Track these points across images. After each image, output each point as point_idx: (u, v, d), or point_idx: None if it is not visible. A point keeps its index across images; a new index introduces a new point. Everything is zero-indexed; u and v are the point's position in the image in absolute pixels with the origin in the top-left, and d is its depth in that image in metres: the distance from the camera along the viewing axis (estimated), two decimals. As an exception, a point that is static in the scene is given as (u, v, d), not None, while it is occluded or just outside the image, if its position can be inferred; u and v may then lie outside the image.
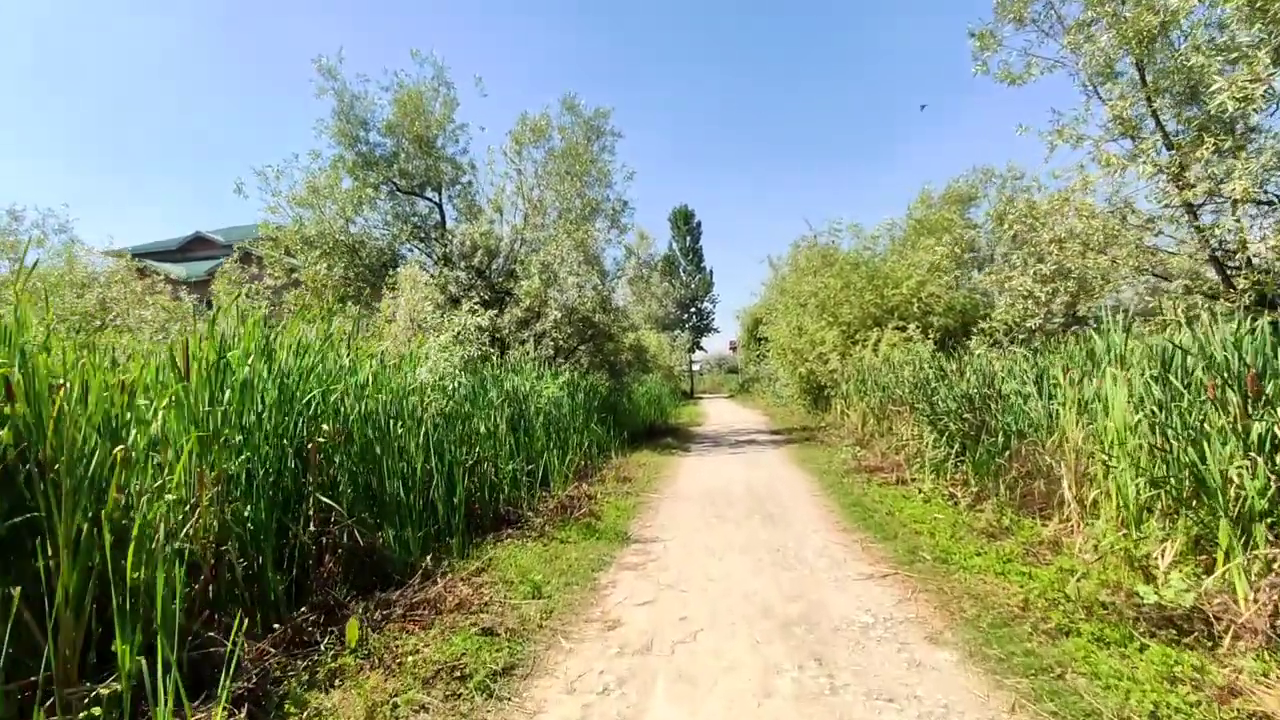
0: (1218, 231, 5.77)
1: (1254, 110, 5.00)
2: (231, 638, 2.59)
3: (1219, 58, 5.14)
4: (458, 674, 2.91)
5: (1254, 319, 4.92)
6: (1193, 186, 5.53)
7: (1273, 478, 3.24)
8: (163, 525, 2.83)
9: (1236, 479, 3.45)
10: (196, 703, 2.57)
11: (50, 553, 2.42)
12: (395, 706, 2.65)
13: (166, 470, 3.05)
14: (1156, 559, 3.92)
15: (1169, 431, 4.21)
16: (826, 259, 18.24)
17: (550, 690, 2.84)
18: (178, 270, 28.41)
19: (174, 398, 3.27)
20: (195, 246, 34.77)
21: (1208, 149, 5.32)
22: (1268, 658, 2.75)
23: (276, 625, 3.39)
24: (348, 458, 4.60)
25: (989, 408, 6.61)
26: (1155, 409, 4.36)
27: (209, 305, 13.68)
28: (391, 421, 5.14)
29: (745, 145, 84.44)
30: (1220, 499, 3.48)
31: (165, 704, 2.25)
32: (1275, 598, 2.93)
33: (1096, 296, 7.21)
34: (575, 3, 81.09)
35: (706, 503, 7.00)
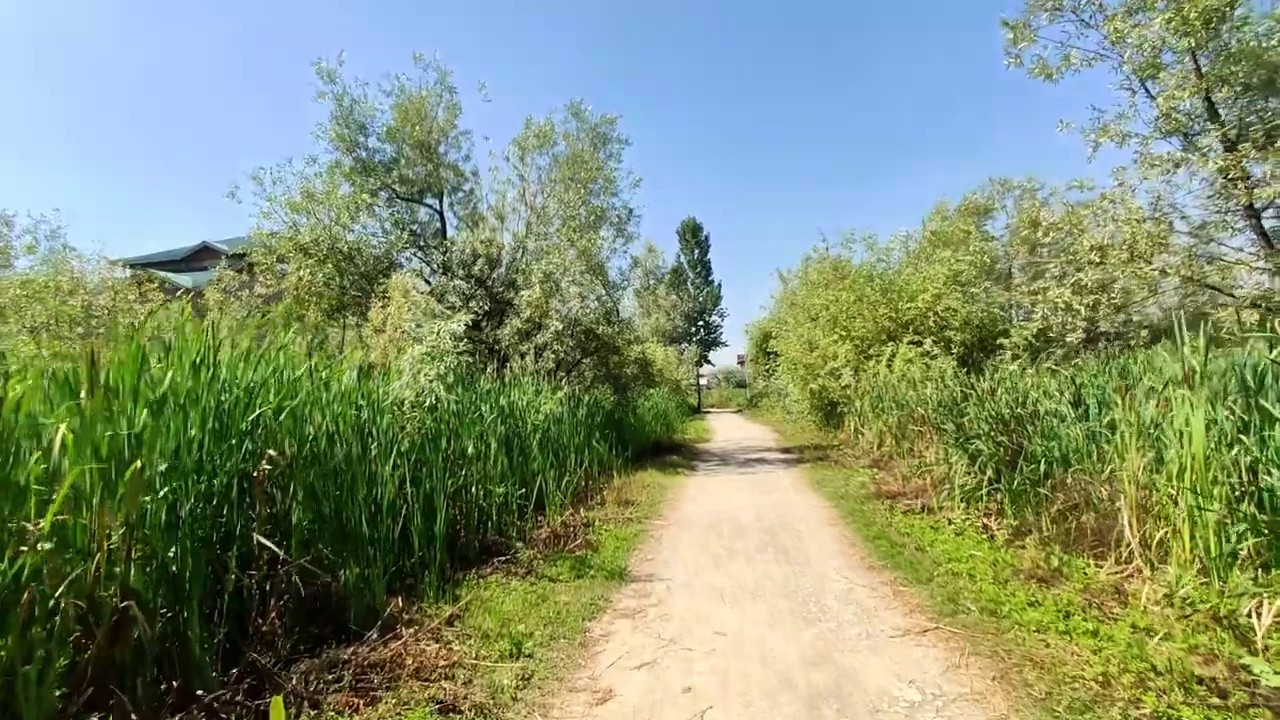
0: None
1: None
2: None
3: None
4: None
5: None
6: (1261, 186, 4.94)
7: None
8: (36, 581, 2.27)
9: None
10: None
11: None
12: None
13: (56, 510, 2.50)
14: (1250, 618, 3.29)
15: (1260, 464, 3.60)
16: (839, 271, 17.68)
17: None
18: (184, 280, 28.18)
19: (81, 417, 2.74)
20: (202, 256, 34.67)
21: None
22: None
23: (201, 691, 2.83)
24: (306, 485, 4.05)
25: (1025, 430, 5.99)
26: (1241, 436, 3.75)
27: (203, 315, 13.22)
28: (362, 443, 4.58)
29: (758, 159, 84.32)
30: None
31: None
32: None
33: (1133, 310, 6.60)
34: (588, 14, 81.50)
35: (714, 533, 6.40)
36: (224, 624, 3.16)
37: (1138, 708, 2.63)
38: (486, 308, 13.59)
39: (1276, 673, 2.59)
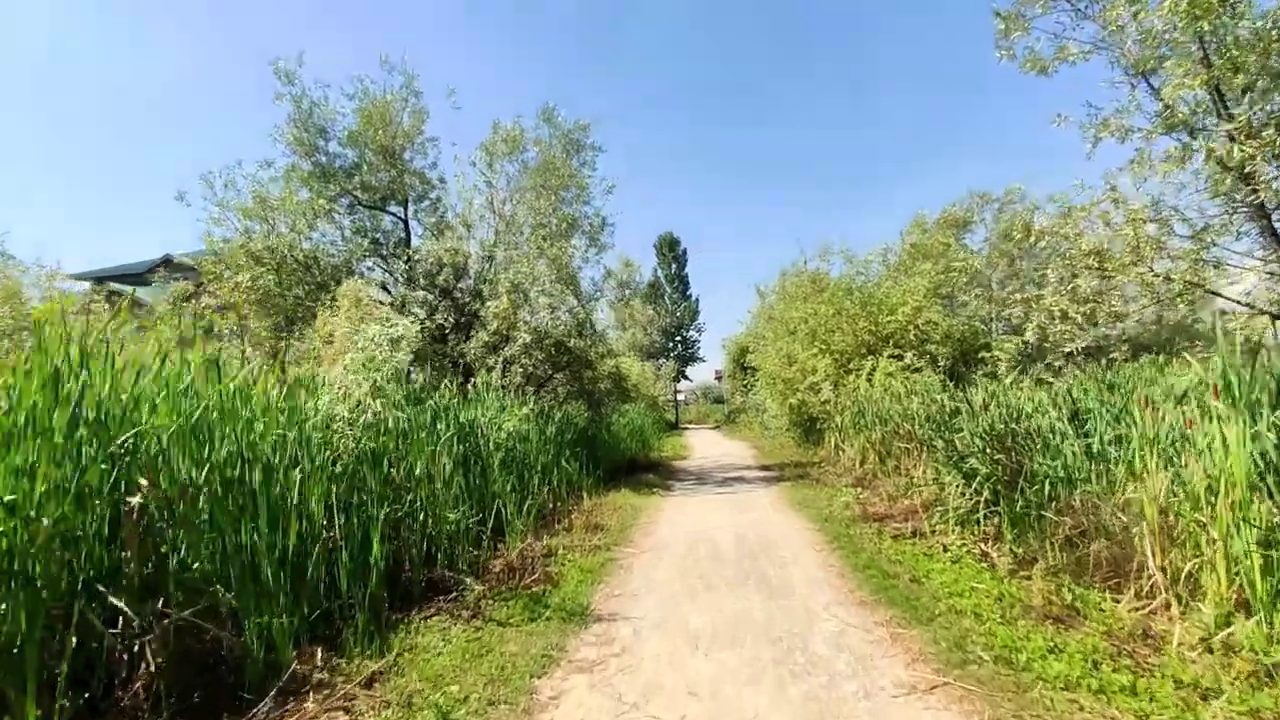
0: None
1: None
2: None
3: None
4: None
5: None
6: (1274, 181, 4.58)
7: None
8: None
9: None
10: None
11: None
12: None
13: None
14: (1309, 668, 2.82)
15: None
16: (817, 284, 17.38)
17: None
18: (143, 293, 27.06)
19: None
20: (167, 269, 33.49)
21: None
22: None
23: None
24: (202, 519, 3.41)
25: (1025, 448, 5.53)
26: (1284, 457, 3.30)
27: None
28: (284, 467, 3.95)
29: (736, 174, 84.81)
30: None
31: None
32: None
33: (1105, 323, 6.24)
34: (563, 28, 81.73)
35: (690, 560, 5.82)
36: (69, 697, 2.51)
37: (1212, 800, 2.11)
38: (453, 320, 12.98)
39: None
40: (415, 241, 13.44)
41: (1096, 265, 5.92)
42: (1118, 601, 4.04)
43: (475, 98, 61.10)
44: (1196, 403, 4.13)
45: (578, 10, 78.77)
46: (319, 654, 3.49)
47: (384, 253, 13.02)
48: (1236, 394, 3.54)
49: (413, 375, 12.32)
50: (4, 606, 2.42)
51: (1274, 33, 4.44)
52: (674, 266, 47.76)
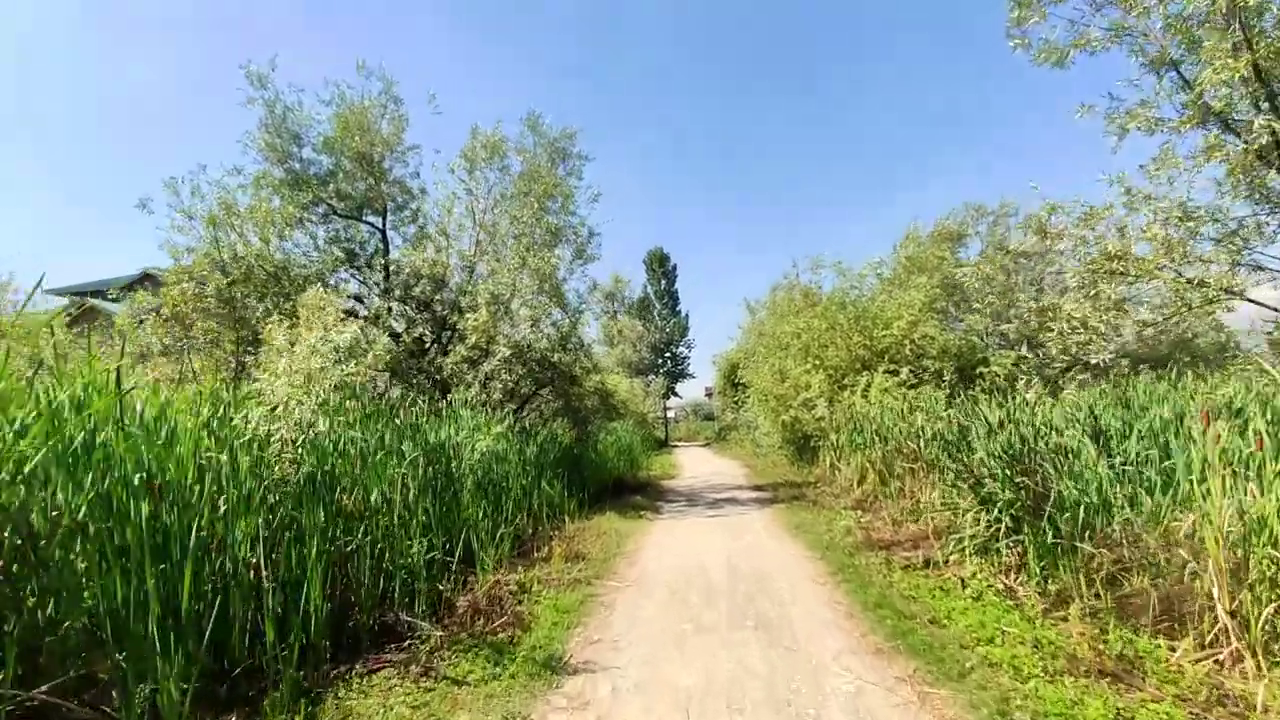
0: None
1: None
2: None
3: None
4: None
5: None
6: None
7: None
8: None
9: None
10: None
11: None
12: None
13: None
14: None
15: None
16: (809, 298, 16.94)
17: None
18: (118, 309, 26.24)
19: None
20: (144, 285, 32.71)
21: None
22: None
23: None
24: (76, 562, 2.80)
25: (1052, 470, 4.99)
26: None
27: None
28: (190, 496, 3.34)
29: (725, 191, 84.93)
30: None
31: None
32: None
33: (1154, 327, 5.76)
34: (554, 42, 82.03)
35: (678, 598, 5.21)
36: None
37: None
38: (432, 333, 12.39)
39: None
40: (394, 253, 12.87)
41: (1119, 270, 5.44)
42: (1173, 649, 3.49)
43: (466, 114, 60.92)
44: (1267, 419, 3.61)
45: (563, 23, 79.18)
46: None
47: (359, 264, 12.43)
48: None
49: (389, 391, 11.73)
50: None
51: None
52: (664, 282, 47.36)
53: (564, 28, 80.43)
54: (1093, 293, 5.55)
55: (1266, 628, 3.12)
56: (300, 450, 4.01)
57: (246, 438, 3.75)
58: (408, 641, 4.14)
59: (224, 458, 3.67)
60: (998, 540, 5.19)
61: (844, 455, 11.69)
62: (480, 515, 6.69)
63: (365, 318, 10.78)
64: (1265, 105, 4.48)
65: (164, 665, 2.78)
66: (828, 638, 4.11)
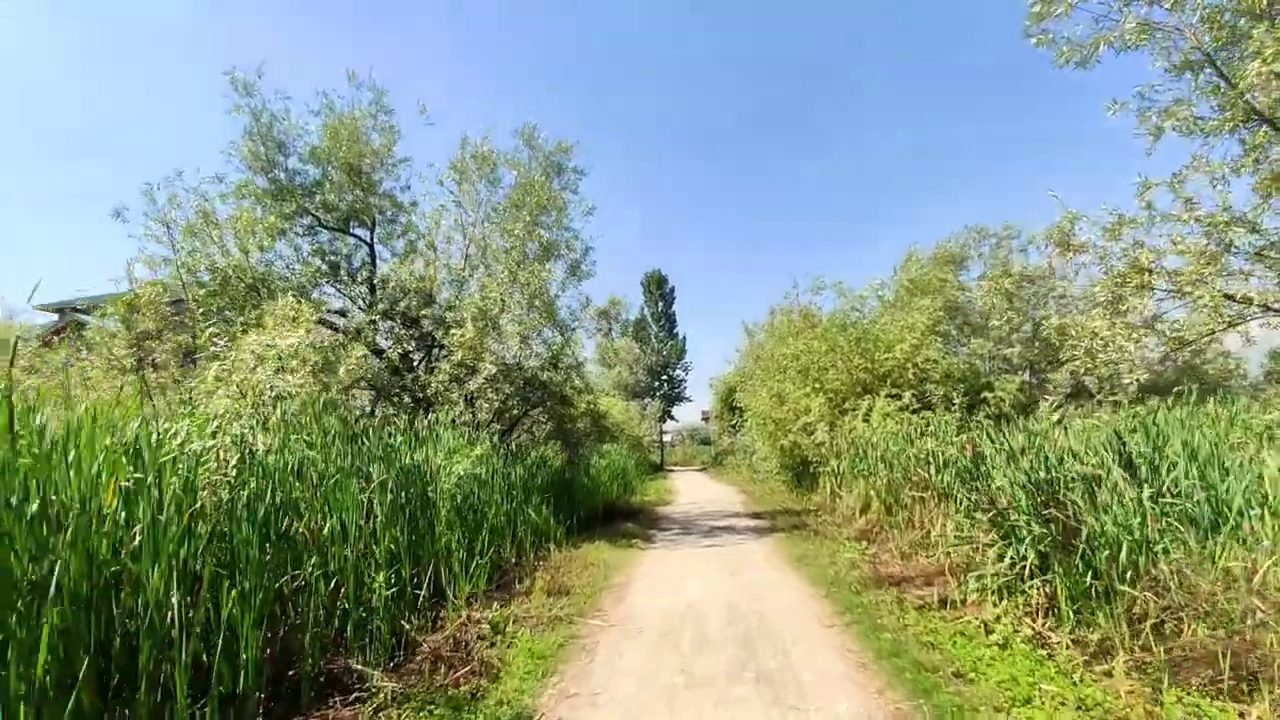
0: None
1: None
2: None
3: None
4: None
5: None
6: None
7: None
8: None
9: None
10: None
11: None
12: None
13: None
14: None
15: None
16: (809, 319, 16.55)
17: None
18: (108, 324, 25.74)
19: None
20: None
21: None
22: None
23: None
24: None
25: (1081, 501, 4.51)
26: None
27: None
28: (88, 526, 2.84)
29: (723, 214, 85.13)
30: None
31: None
32: None
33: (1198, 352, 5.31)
34: (551, 65, 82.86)
35: (668, 641, 4.68)
36: None
37: None
38: (420, 350, 11.94)
39: None
40: (383, 268, 12.45)
41: (1148, 285, 5.01)
42: (1243, 716, 2.99)
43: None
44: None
45: (558, 49, 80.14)
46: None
47: (343, 277, 12.00)
48: None
49: (376, 410, 11.23)
50: None
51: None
52: (661, 304, 47.08)
53: (562, 52, 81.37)
54: (1122, 308, 5.12)
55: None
56: (239, 472, 3.50)
57: (172, 457, 3.25)
58: (354, 696, 3.60)
59: (148, 480, 3.18)
60: (1023, 579, 4.68)
61: (846, 482, 11.18)
62: (456, 544, 6.17)
63: (345, 331, 10.30)
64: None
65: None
66: (839, 695, 3.58)
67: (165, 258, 10.84)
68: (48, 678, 2.49)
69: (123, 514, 3.07)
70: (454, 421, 10.09)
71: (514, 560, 7.53)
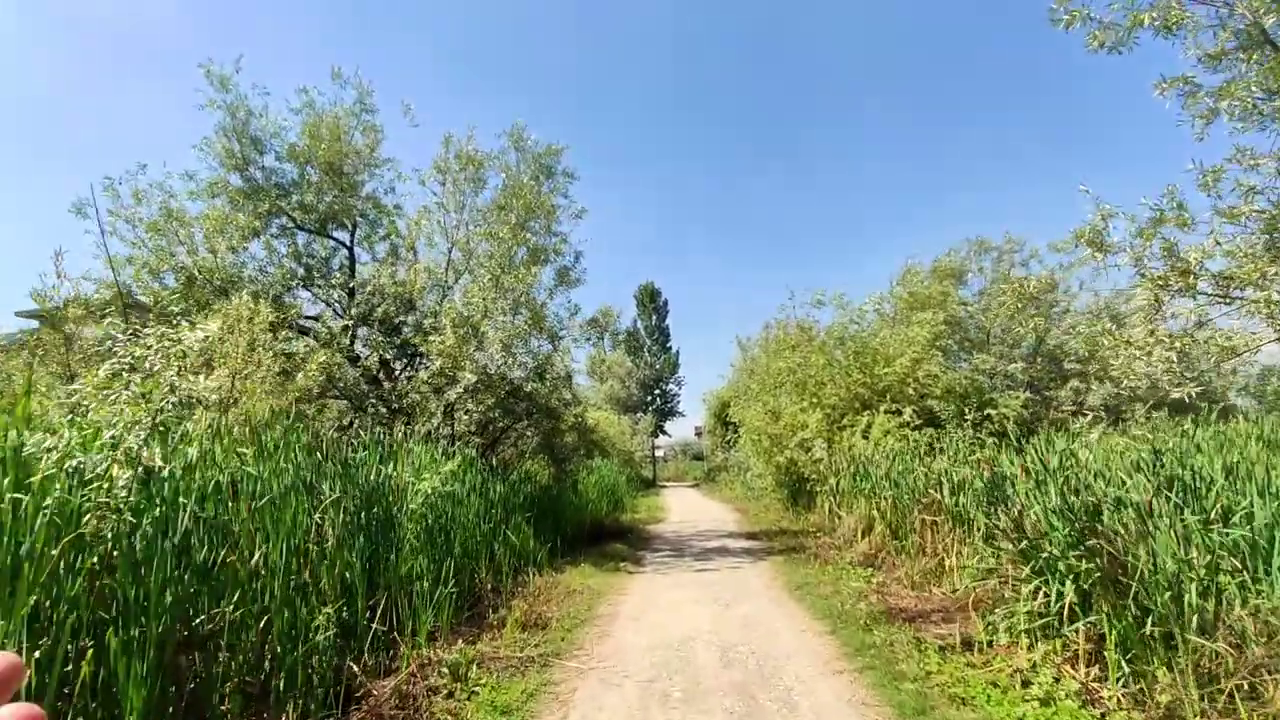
0: None
1: None
2: None
3: None
4: None
5: None
6: None
7: None
8: None
9: None
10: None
11: None
12: None
13: None
14: None
15: None
16: (805, 332, 16.04)
17: None
18: (91, 331, 24.98)
19: None
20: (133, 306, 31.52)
21: None
22: None
23: None
24: None
25: (1124, 530, 3.94)
26: None
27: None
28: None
29: (719, 228, 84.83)
30: None
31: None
32: None
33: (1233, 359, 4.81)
34: (545, 79, 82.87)
35: (655, 690, 4.05)
36: None
37: None
38: (401, 359, 11.33)
39: None
40: (364, 273, 11.86)
41: (1191, 286, 4.49)
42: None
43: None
44: None
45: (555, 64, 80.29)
46: None
47: (318, 281, 11.39)
48: None
49: (354, 423, 10.58)
50: None
51: None
52: (654, 318, 46.57)
53: (563, 76, 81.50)
54: (1170, 313, 4.59)
55: None
56: (133, 492, 2.88)
57: (45, 474, 2.64)
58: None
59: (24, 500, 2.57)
60: (1061, 621, 4.09)
61: (845, 501, 10.60)
62: (422, 571, 5.54)
63: (318, 337, 9.68)
64: None
65: None
66: (859, 768, 2.97)
67: (129, 257, 10.27)
68: None
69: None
70: (430, 434, 9.49)
71: (490, 586, 6.89)
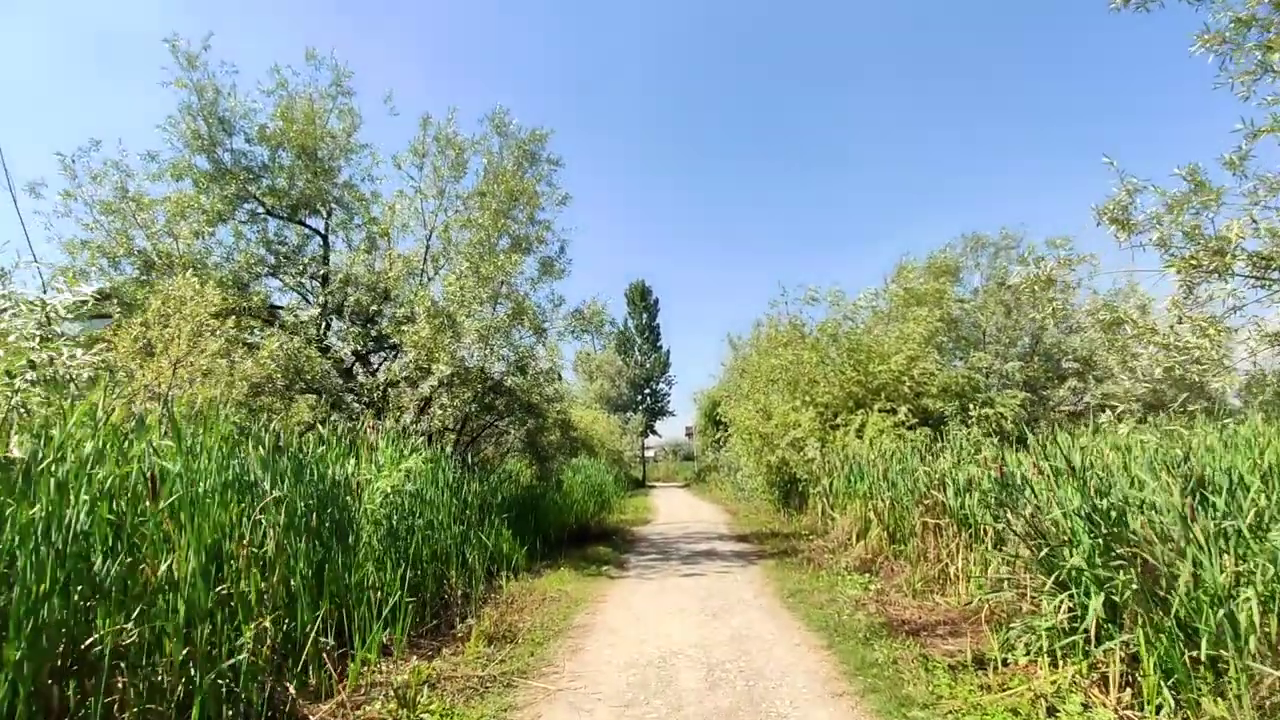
0: None
1: None
2: None
3: None
4: None
5: None
6: None
7: None
8: None
9: None
10: None
11: None
12: None
13: None
14: None
15: None
16: (797, 329, 15.61)
17: None
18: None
19: None
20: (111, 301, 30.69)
21: None
22: None
23: None
24: None
25: (1159, 536, 3.49)
26: None
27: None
28: None
29: (710, 227, 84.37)
30: None
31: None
32: None
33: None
34: (535, 73, 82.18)
35: (630, 717, 3.56)
36: None
37: None
38: (376, 350, 10.81)
39: None
40: (339, 261, 11.31)
41: (1226, 267, 4.06)
42: None
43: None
44: None
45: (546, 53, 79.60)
46: None
47: (289, 269, 10.82)
48: None
49: (330, 416, 10.05)
50: None
51: None
52: (645, 316, 46.06)
53: (549, 72, 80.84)
54: (1205, 298, 4.16)
55: None
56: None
57: None
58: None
59: None
60: (1089, 639, 3.64)
61: (839, 503, 10.16)
62: (383, 578, 5.03)
63: (283, 325, 9.14)
64: None
65: None
66: (867, 820, 2.50)
67: (83, 240, 9.67)
68: None
69: None
70: (405, 430, 8.97)
71: (461, 593, 6.38)
